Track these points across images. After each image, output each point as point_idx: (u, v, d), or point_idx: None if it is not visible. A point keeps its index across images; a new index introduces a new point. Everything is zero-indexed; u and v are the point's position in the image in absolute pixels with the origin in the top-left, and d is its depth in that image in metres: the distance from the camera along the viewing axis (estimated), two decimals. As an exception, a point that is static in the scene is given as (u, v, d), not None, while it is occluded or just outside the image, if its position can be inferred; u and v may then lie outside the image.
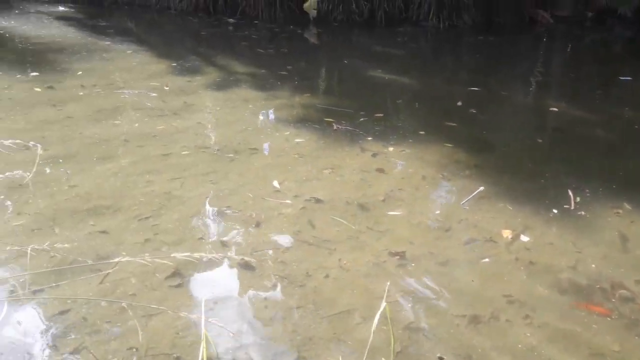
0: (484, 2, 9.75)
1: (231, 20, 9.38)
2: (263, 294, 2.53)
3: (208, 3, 9.69)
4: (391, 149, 4.28)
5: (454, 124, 4.92)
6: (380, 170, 3.88)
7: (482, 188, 3.62)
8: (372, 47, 8.63)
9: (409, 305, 2.48)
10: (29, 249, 2.48)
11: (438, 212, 3.35)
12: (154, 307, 2.30)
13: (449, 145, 4.39)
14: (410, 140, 4.46)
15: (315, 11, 9.65)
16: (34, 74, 5.85)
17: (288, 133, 4.52)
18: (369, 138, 4.48)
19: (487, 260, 2.86)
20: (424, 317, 2.41)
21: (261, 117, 5.01)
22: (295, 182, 3.64)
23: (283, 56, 7.60)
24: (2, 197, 3.14)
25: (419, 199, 3.52)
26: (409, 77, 6.76)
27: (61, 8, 10.03)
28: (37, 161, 2.11)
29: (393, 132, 4.64)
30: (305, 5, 9.60)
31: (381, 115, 5.06)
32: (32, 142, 1.83)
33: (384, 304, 1.74)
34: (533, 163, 4.13)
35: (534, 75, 7.15)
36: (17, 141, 1.82)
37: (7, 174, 1.87)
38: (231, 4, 9.75)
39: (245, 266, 2.71)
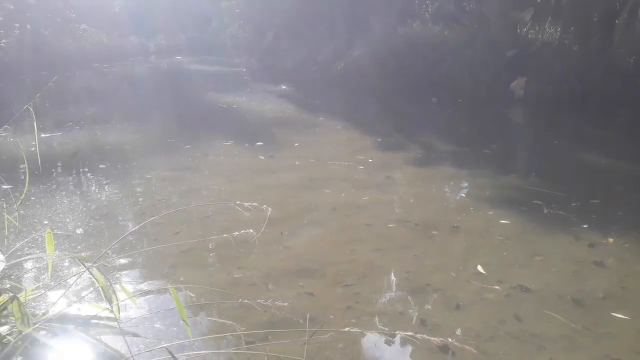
0: None
1: (434, 99, 9.59)
2: (464, 383, 2.39)
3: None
4: (611, 240, 3.85)
5: (692, 218, 4.25)
6: (599, 264, 3.49)
7: None
8: (584, 129, 8.03)
9: None
10: (248, 301, 2.73)
11: (675, 320, 2.87)
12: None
13: (686, 242, 3.79)
14: (635, 233, 3.96)
15: (522, 91, 9.39)
16: (259, 143, 6.63)
17: (492, 213, 4.36)
18: (584, 226, 4.09)
19: None
20: None
21: (463, 195, 4.94)
22: (499, 266, 3.46)
23: (487, 135, 7.48)
24: (232, 251, 3.56)
25: (649, 301, 3.06)
26: (629, 162, 6.11)
27: (283, 87, 11.36)
28: (265, 222, 2.35)
29: (613, 222, 4.18)
30: (513, 84, 9.42)
31: (597, 201, 4.62)
32: (265, 205, 2.04)
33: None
34: None
35: None
36: (254, 204, 2.04)
37: (241, 231, 2.11)
38: (437, 84, 10.02)
39: (444, 349, 2.61)
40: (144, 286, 3.17)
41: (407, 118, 8.74)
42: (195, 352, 1.96)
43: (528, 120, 8.78)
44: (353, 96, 10.74)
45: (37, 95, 1.92)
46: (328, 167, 5.64)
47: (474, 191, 5.00)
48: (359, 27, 11.86)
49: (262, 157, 6.04)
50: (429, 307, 3.02)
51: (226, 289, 3.12)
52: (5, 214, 2.05)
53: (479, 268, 3.41)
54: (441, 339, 2.32)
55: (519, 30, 10.59)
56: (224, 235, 2.52)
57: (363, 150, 6.31)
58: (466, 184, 5.20)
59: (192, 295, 1.90)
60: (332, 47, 12.06)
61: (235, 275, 3.34)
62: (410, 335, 1.58)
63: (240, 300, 2.31)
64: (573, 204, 4.53)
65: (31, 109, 1.90)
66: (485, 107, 9.22)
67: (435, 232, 3.98)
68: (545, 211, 4.38)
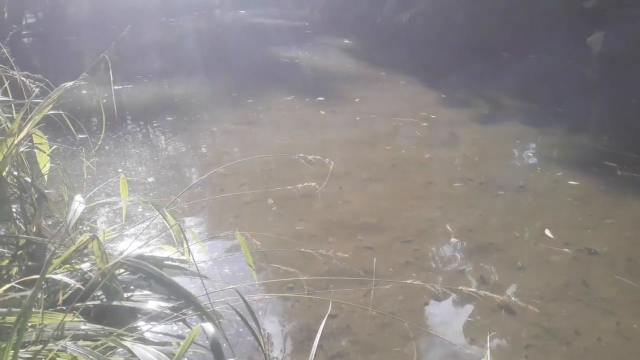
0: None
1: (504, 53, 9.18)
2: (524, 342, 2.38)
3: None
4: (691, 206, 3.63)
5: None
6: (676, 230, 3.32)
7: None
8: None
9: None
10: (310, 251, 2.79)
11: None
12: (418, 327, 2.35)
13: None
14: None
15: (600, 45, 8.80)
16: (320, 98, 6.61)
17: (560, 174, 4.20)
18: (661, 190, 3.87)
19: None
20: None
21: (530, 154, 4.77)
22: (566, 228, 3.35)
23: (559, 92, 7.10)
24: (294, 203, 3.64)
25: None
26: None
27: (346, 41, 11.17)
28: (328, 176, 2.36)
29: (694, 187, 3.93)
30: (589, 38, 8.83)
31: (678, 165, 4.34)
32: (327, 159, 2.06)
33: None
34: None
35: None
36: (317, 157, 2.06)
37: (305, 183, 2.14)
38: (508, 37, 9.55)
39: (505, 308, 2.59)
40: (211, 233, 3.31)
41: (474, 73, 8.41)
42: (260, 296, 2.05)
43: (605, 77, 8.25)
44: (418, 50, 10.42)
45: (112, 43, 1.99)
46: (390, 123, 5.57)
47: (543, 150, 4.81)
48: (426, -22, 11.38)
49: (323, 112, 6.03)
50: (491, 266, 2.99)
51: (289, 239, 3.20)
52: (84, 160, 2.17)
53: (546, 229, 3.32)
54: (503, 297, 2.31)
55: (600, -20, 9.84)
56: (288, 187, 2.58)
57: (426, 106, 6.17)
58: (534, 143, 5.00)
59: (258, 243, 1.96)
60: None
61: (297, 227, 3.41)
62: (473, 292, 1.57)
63: (302, 249, 2.37)
64: (650, 167, 4.28)
65: (107, 58, 1.97)
66: (558, 63, 8.73)
67: (500, 192, 3.88)
68: (619, 173, 4.17)
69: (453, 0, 10.06)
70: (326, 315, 1.74)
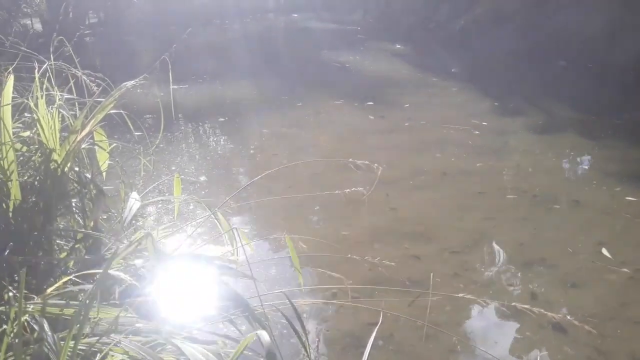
0: None
1: (562, 62, 8.89)
2: (576, 363, 2.29)
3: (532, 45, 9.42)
4: None
5: None
6: None
7: None
8: None
9: None
10: (356, 257, 2.78)
11: None
12: (464, 341, 2.31)
13: None
14: None
15: (666, 55, 8.39)
16: (369, 103, 6.59)
17: (619, 189, 4.02)
18: None
19: None
20: None
21: (586, 167, 4.60)
22: (624, 246, 3.21)
23: (618, 104, 6.81)
24: (340, 208, 3.63)
25: None
26: None
27: (397, 46, 11.09)
28: (375, 182, 2.34)
29: None
30: (654, 48, 8.45)
31: None
32: (376, 164, 2.04)
33: None
34: None
35: None
36: (366, 162, 2.05)
37: (353, 188, 2.14)
38: (565, 46, 9.27)
39: (556, 327, 2.50)
40: (258, 234, 3.35)
41: (529, 82, 8.19)
42: (305, 300, 2.05)
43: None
44: (471, 56, 10.24)
45: (174, 45, 2.04)
46: (440, 130, 5.48)
47: (600, 164, 4.63)
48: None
49: (372, 117, 6.01)
50: (542, 282, 2.89)
51: (334, 244, 3.19)
52: (141, 158, 2.24)
53: (601, 246, 3.19)
54: (559, 315, 2.23)
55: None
56: (336, 192, 2.57)
57: (478, 114, 6.04)
58: (591, 156, 4.82)
59: (304, 246, 1.97)
60: (451, 5, 11.53)
61: (343, 232, 3.40)
62: (527, 309, 1.52)
63: (349, 255, 2.36)
64: None
65: (167, 59, 2.02)
66: (620, 74, 8.37)
67: (553, 205, 3.75)
68: (684, 191, 3.96)
69: (508, 7, 9.84)
70: (377, 326, 1.73)
